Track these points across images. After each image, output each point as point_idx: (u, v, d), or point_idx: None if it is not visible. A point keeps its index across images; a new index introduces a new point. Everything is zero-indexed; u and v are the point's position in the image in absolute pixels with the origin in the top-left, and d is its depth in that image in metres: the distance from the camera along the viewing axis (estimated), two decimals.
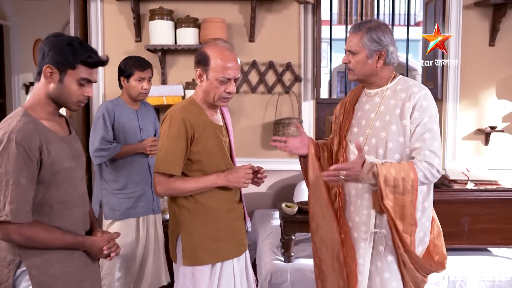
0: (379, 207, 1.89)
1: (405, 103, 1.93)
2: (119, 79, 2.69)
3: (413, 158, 1.91)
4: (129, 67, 2.64)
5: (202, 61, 1.89)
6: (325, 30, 4.72)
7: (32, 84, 6.85)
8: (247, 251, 2.13)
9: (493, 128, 3.82)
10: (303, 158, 2.20)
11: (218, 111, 2.07)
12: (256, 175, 2.03)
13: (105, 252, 1.71)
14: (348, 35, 2.05)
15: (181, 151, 1.85)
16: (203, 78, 1.90)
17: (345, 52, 2.04)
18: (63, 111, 1.78)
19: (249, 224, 2.16)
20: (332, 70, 6.30)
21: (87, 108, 3.83)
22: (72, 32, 3.54)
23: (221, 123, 2.05)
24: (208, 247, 1.92)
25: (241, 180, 1.90)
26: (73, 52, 1.57)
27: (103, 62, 1.65)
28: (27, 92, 6.81)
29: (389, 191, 1.83)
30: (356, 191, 2.04)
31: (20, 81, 6.63)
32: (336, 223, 2.07)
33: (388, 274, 1.96)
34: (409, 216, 1.88)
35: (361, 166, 1.82)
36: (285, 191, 3.92)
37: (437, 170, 1.88)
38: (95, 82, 1.69)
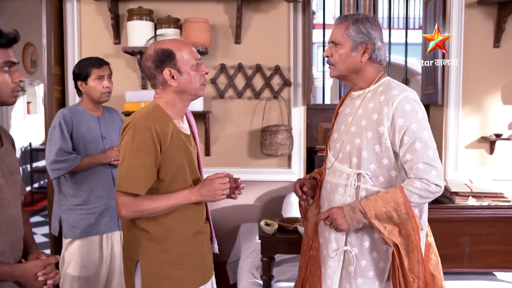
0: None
1: (383, 107, 1.69)
2: (76, 86, 2.47)
3: (400, 171, 1.70)
4: (85, 68, 2.42)
5: (166, 59, 1.66)
6: (321, 33, 4.48)
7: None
8: (213, 276, 1.89)
9: (498, 136, 3.54)
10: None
11: (185, 118, 1.84)
12: (234, 185, 1.80)
13: (40, 279, 1.46)
14: (333, 26, 1.82)
15: (146, 167, 1.60)
16: (176, 76, 1.66)
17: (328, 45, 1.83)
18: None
19: (216, 245, 1.91)
20: None
21: None
22: (44, 34, 3.32)
23: (189, 132, 1.81)
24: (172, 275, 1.68)
25: (216, 193, 1.65)
26: None
27: (16, 37, 1.44)
28: None
29: (386, 223, 1.65)
30: (328, 203, 1.83)
31: None
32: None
33: None
34: (415, 249, 1.65)
35: (339, 208, 1.69)
36: (273, 204, 3.66)
37: (436, 185, 1.63)
38: (18, 63, 1.48)
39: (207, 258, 1.80)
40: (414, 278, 1.65)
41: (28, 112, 7.10)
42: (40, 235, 5.40)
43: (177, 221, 1.68)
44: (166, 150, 1.63)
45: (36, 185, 7.13)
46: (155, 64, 1.67)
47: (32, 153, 7.00)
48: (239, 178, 1.82)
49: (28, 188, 7.04)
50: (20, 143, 6.85)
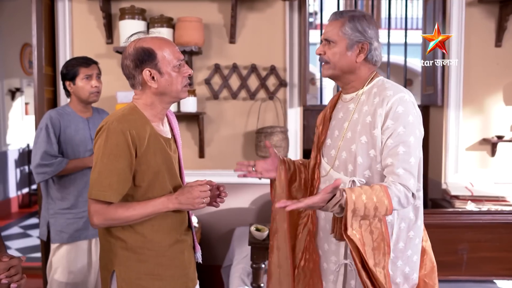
0: (340, 235, 1.53)
1: (377, 109, 1.60)
2: (64, 86, 2.41)
3: (385, 176, 1.57)
4: (72, 67, 2.37)
5: (146, 58, 1.56)
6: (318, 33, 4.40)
7: (18, 89, 6.62)
8: (197, 286, 1.81)
9: (500, 137, 3.44)
10: (273, 183, 1.90)
11: (166, 120, 1.75)
12: (216, 193, 1.73)
13: (4, 281, 1.38)
14: (327, 22, 1.72)
15: (120, 173, 1.51)
16: (156, 77, 1.58)
17: (320, 42, 1.72)
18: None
19: (199, 254, 1.82)
20: None
21: None
22: (34, 34, 3.25)
23: (169, 135, 1.72)
24: (149, 286, 1.60)
25: (196, 201, 1.57)
26: None
27: None
28: (13, 98, 6.59)
29: (354, 221, 1.48)
30: (325, 213, 1.72)
31: (5, 86, 6.41)
32: (292, 262, 1.80)
33: None
34: (381, 242, 1.54)
35: (326, 202, 1.45)
36: (268, 207, 3.57)
37: (413, 194, 1.52)
38: None
39: (189, 268, 1.71)
40: (381, 270, 1.54)
41: (26, 113, 7.05)
42: (36, 237, 5.35)
43: (155, 229, 1.60)
44: (142, 155, 1.54)
45: (34, 186, 7.08)
46: (135, 64, 1.58)
47: (30, 154, 6.95)
48: (222, 186, 1.75)
49: (26, 190, 6.99)
50: (18, 144, 6.81)
